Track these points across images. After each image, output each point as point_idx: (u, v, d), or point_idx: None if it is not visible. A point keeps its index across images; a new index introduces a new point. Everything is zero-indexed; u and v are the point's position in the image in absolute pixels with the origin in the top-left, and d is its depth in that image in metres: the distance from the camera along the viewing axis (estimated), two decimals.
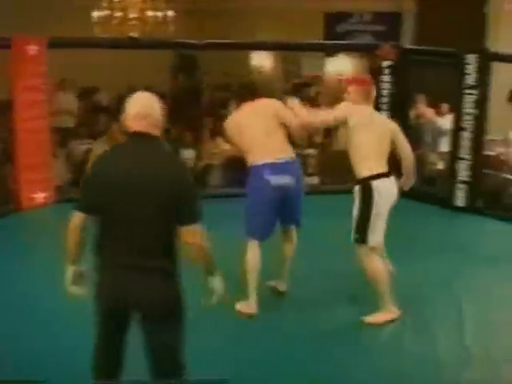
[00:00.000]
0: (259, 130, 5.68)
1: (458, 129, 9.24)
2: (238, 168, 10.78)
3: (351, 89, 5.79)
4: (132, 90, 11.63)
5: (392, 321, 5.59)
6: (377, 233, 5.50)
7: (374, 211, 5.42)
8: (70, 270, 3.76)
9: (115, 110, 12.49)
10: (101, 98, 13.40)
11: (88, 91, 13.22)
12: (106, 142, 9.62)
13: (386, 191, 5.48)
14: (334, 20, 15.43)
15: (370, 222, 5.42)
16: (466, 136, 9.15)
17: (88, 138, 10.60)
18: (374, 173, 5.44)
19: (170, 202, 3.54)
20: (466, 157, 9.15)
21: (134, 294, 3.57)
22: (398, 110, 9.66)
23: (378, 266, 5.55)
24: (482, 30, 13.35)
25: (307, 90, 14.31)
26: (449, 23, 13.25)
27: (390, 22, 14.77)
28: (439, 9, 13.62)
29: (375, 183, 5.41)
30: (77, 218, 3.66)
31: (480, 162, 9.31)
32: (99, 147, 9.68)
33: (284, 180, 5.63)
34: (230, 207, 6.85)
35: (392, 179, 5.56)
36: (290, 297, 6.09)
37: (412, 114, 11.03)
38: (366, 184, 5.42)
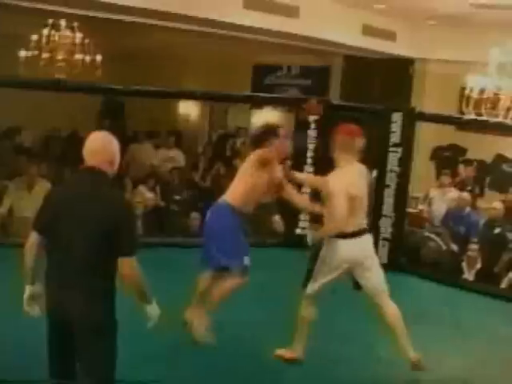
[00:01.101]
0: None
1: (381, 186, 9.33)
2: (158, 217, 10.81)
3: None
4: (56, 132, 11.41)
5: None
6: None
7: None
8: (27, 290, 4.02)
9: (38, 151, 12.37)
10: (24, 138, 13.17)
11: (10, 131, 12.99)
12: (23, 182, 9.48)
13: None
14: (261, 72, 15.57)
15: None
16: (390, 193, 9.26)
17: (4, 178, 10.35)
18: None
19: (104, 233, 3.80)
20: (389, 214, 9.25)
21: (67, 308, 3.85)
22: (324, 165, 9.73)
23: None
24: (407, 89, 13.64)
25: (232, 142, 14.37)
26: (376, 81, 13.52)
27: (318, 76, 14.96)
28: (366, 66, 13.88)
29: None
30: (32, 236, 3.99)
31: (403, 218, 9.43)
32: (14, 187, 9.53)
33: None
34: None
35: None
36: None
37: None
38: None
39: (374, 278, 5.64)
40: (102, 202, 3.87)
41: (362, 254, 5.61)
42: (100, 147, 4.02)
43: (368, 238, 5.71)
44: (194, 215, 10.21)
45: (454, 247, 9.79)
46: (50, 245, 3.94)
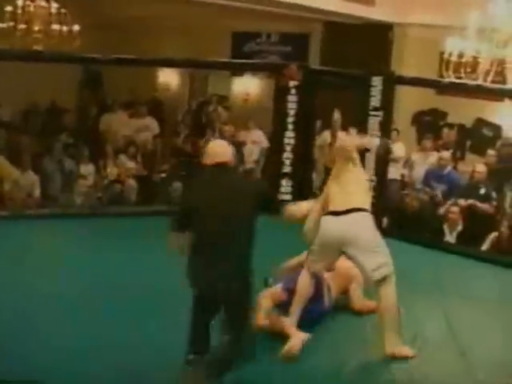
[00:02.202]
0: None
1: (362, 151, 9.33)
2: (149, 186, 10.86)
3: None
4: (35, 106, 11.38)
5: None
6: None
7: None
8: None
9: (18, 125, 12.34)
10: (2, 112, 13.09)
11: None
12: None
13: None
14: (241, 40, 15.48)
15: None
16: (370, 157, 9.23)
17: None
18: None
19: (254, 205, 4.76)
20: (371, 178, 9.25)
21: (226, 279, 4.66)
22: (304, 130, 9.77)
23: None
24: (387, 55, 13.64)
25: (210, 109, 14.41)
26: (355, 46, 13.49)
27: (297, 42, 14.90)
28: (346, 32, 13.85)
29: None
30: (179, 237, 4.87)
31: (384, 182, 9.47)
32: None
33: None
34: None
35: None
36: None
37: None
38: None
39: (367, 263, 5.47)
40: (245, 184, 5.12)
41: (349, 232, 5.49)
42: (225, 148, 4.97)
43: (361, 218, 5.56)
44: (177, 185, 10.21)
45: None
46: (203, 231, 4.68)
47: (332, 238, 5.54)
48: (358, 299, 6.27)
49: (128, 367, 4.90)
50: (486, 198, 9.72)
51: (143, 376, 4.79)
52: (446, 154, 10.65)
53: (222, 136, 11.71)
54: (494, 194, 9.77)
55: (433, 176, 10.41)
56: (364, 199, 5.69)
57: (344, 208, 5.54)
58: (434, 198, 10.14)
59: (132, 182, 10.70)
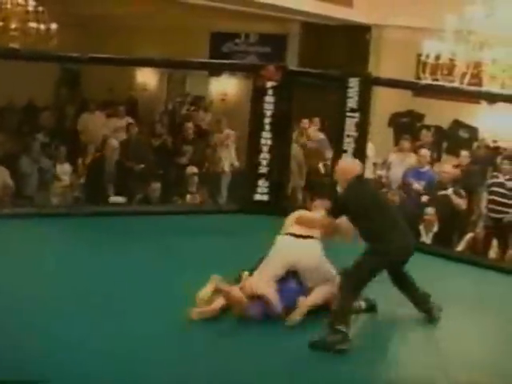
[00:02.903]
0: None
1: (339, 151, 9.40)
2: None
3: None
4: (12, 104, 11.25)
5: None
6: None
7: None
8: None
9: None
10: None
11: None
12: None
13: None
14: (219, 40, 15.50)
15: None
16: (348, 158, 9.22)
17: None
18: None
19: None
20: None
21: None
22: (281, 131, 9.76)
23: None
24: (364, 56, 13.69)
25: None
26: (333, 47, 13.55)
27: (276, 43, 14.94)
28: (324, 33, 13.90)
29: None
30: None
31: None
32: None
33: None
34: None
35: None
36: None
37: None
38: None
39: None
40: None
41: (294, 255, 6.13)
42: (356, 163, 6.33)
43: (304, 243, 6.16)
44: (155, 185, 10.16)
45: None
46: (384, 219, 5.85)
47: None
48: None
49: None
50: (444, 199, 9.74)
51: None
52: (426, 152, 10.70)
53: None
54: (463, 193, 9.80)
55: (412, 174, 10.45)
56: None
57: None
58: (414, 191, 10.16)
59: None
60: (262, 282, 6.03)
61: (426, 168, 10.51)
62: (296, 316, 5.91)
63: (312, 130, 12.50)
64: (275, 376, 5.06)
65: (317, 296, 6.07)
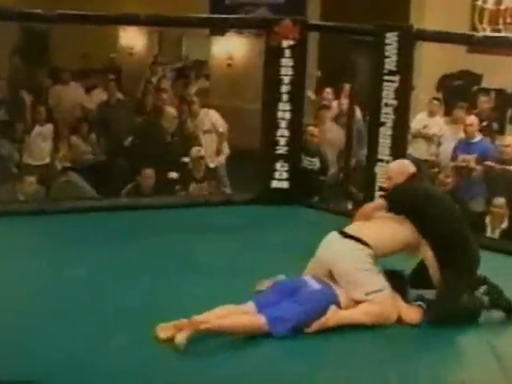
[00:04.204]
0: None
1: (375, 124, 9.50)
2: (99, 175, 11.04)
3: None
4: None
5: None
6: None
7: None
8: None
9: None
10: None
11: None
12: None
13: None
14: None
15: None
16: (385, 133, 9.39)
17: None
18: None
19: None
20: (386, 158, 9.35)
21: None
22: (301, 102, 9.91)
23: None
24: (404, 4, 13.74)
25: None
26: None
27: None
28: None
29: None
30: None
31: None
32: None
33: None
34: None
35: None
36: None
37: None
38: None
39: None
40: None
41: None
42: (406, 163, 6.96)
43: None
44: (148, 172, 10.31)
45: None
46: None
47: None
48: None
49: None
50: None
51: None
52: (473, 119, 10.90)
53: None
54: None
55: (460, 148, 10.67)
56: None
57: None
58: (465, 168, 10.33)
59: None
60: None
61: (478, 138, 10.69)
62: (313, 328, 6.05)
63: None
64: None
65: (351, 316, 6.18)
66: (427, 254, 6.41)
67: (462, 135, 11.11)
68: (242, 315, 5.98)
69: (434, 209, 6.36)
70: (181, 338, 5.59)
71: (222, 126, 12.31)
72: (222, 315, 5.91)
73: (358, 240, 6.33)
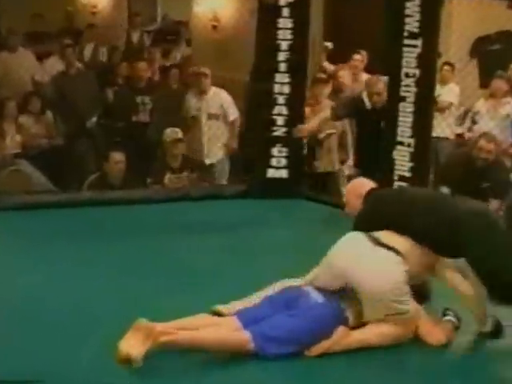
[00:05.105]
0: None
1: (394, 99, 9.53)
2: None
3: None
4: None
5: None
6: None
7: None
8: None
9: None
10: None
11: None
12: None
13: None
14: None
15: None
16: (406, 109, 9.44)
17: None
18: None
19: None
20: (407, 141, 9.46)
21: None
22: (303, 71, 9.96)
23: None
24: None
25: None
26: None
27: None
28: None
29: None
30: None
31: (427, 146, 9.64)
32: None
33: None
34: None
35: None
36: None
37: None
38: None
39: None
40: None
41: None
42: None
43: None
44: (117, 157, 10.33)
45: None
46: None
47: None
48: None
49: None
50: None
51: None
52: None
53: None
54: None
55: None
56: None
57: None
58: None
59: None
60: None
61: None
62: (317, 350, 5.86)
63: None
64: None
65: (363, 339, 6.07)
66: (445, 274, 6.32)
67: (504, 111, 11.23)
68: (221, 328, 5.76)
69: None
70: (137, 353, 5.34)
71: (233, 113, 11.89)
72: (194, 326, 5.72)
73: (391, 249, 6.14)
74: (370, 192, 6.71)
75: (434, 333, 6.17)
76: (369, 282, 5.98)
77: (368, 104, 9.97)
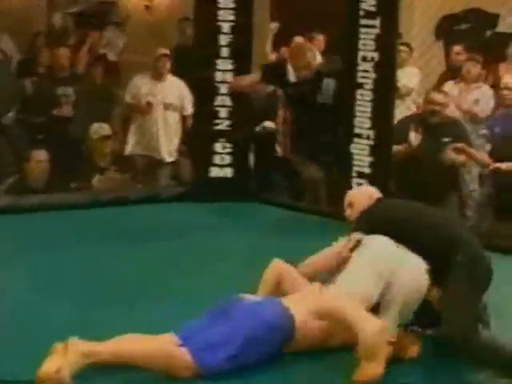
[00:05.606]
0: None
1: (350, 86, 9.59)
2: None
3: None
4: None
5: None
6: None
7: None
8: None
9: None
10: None
11: None
12: None
13: None
14: None
15: None
16: (365, 97, 9.52)
17: None
18: None
19: None
20: (365, 132, 9.51)
21: None
22: (246, 56, 9.98)
23: None
24: None
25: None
26: None
27: None
28: None
29: None
30: None
31: (389, 138, 9.70)
32: None
33: None
34: None
35: None
36: None
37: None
38: None
39: None
40: None
41: None
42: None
43: None
44: (39, 155, 10.28)
45: None
46: None
47: None
48: None
49: None
50: None
51: None
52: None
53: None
54: None
55: (499, 122, 10.71)
56: None
57: None
58: None
59: None
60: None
61: None
62: None
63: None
64: None
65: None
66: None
67: (472, 95, 11.33)
68: (154, 340, 5.64)
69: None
70: (64, 373, 5.31)
71: (189, 108, 11.74)
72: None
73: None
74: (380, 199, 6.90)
75: (407, 346, 6.18)
76: (413, 285, 6.12)
77: (292, 76, 9.95)
